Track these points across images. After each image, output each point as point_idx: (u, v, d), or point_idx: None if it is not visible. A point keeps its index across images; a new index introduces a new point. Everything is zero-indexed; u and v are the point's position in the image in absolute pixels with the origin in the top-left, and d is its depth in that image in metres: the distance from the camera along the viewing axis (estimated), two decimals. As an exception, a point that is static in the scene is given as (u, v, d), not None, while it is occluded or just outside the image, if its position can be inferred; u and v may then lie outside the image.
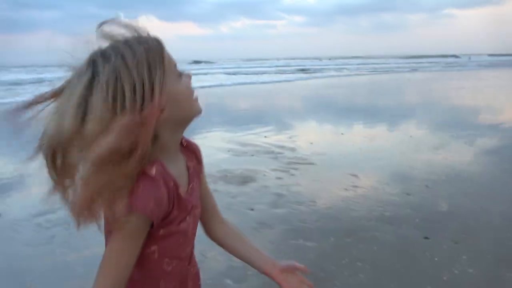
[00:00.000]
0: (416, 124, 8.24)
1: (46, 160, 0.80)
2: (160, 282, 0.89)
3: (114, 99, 0.73)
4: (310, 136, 6.74)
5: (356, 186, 4.13)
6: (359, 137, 6.78)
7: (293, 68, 36.56)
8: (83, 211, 0.76)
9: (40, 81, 21.62)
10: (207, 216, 1.07)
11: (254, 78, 23.90)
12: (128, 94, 0.74)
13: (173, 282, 0.91)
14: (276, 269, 1.00)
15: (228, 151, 5.71)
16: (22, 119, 0.80)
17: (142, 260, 0.83)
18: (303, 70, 32.00)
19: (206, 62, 57.94)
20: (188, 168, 0.94)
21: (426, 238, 2.98)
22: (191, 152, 1.01)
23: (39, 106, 0.82)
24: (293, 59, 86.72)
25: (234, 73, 27.69)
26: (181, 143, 0.97)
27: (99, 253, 0.79)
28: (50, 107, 0.82)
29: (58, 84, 0.83)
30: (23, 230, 3.27)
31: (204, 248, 2.31)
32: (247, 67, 40.19)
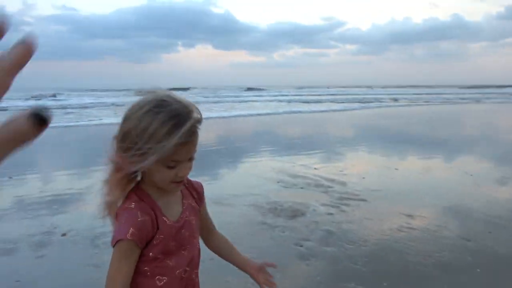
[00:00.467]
0: (477, 159, 7.78)
1: None
2: None
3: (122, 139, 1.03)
4: (362, 170, 6.59)
5: (411, 228, 3.95)
6: (414, 172, 6.52)
7: (344, 97, 36.24)
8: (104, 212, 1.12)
9: (103, 105, 23.23)
10: (206, 233, 1.35)
11: (306, 106, 23.99)
12: (129, 144, 0.99)
13: None
14: (253, 268, 1.33)
15: (278, 182, 5.74)
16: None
17: (137, 278, 1.07)
18: (355, 99, 31.59)
19: (258, 89, 59.17)
20: (183, 204, 1.18)
21: (489, 291, 2.77)
22: (192, 190, 1.25)
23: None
24: (345, 87, 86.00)
25: (287, 101, 27.94)
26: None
27: None
28: None
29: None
30: (87, 250, 3.47)
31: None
32: (299, 94, 40.46)
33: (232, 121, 15.57)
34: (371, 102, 28.47)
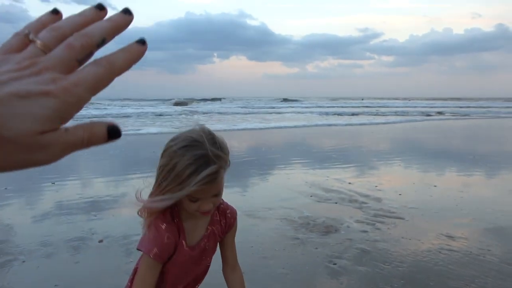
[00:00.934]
0: (524, 179, 7.33)
1: None
2: None
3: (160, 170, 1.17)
4: (399, 186, 6.38)
5: (451, 250, 3.76)
6: (454, 190, 6.23)
7: (380, 109, 35.49)
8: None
9: (142, 115, 23.96)
10: (225, 264, 1.47)
11: (341, 118, 23.70)
12: (161, 180, 1.13)
13: None
14: None
15: (311, 196, 5.65)
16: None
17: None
18: (391, 112, 30.83)
19: (294, 100, 59.16)
20: (207, 229, 1.28)
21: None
22: (223, 217, 1.33)
23: None
24: (380, 99, 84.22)
25: (323, 113, 27.69)
26: (218, 207, 1.33)
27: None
28: None
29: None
30: (121, 257, 3.55)
31: None
32: (334, 106, 40.04)
33: (267, 133, 15.60)
34: (409, 114, 27.68)
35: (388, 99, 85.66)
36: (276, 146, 12.40)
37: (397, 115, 27.21)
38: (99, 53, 0.34)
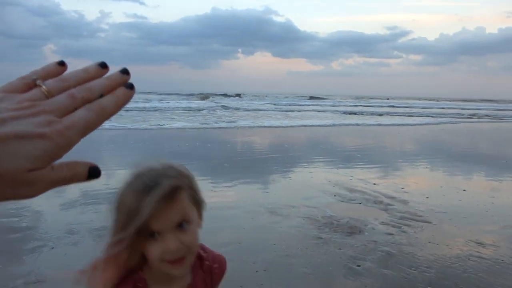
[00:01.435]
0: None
1: None
2: None
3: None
4: (426, 189, 6.21)
5: (481, 257, 3.62)
6: (484, 195, 6.01)
7: (407, 109, 34.73)
8: None
9: (168, 109, 24.28)
10: None
11: (367, 118, 23.34)
12: (113, 218, 0.89)
13: None
14: None
15: (335, 195, 5.57)
16: None
17: None
18: (419, 113, 30.11)
19: (320, 98, 58.68)
20: None
21: None
22: (208, 274, 1.04)
23: None
24: (407, 99, 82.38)
25: (348, 112, 27.32)
26: (200, 259, 1.03)
27: None
28: None
29: None
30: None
31: None
32: (360, 105, 39.44)
33: (291, 130, 15.52)
34: (438, 116, 26.94)
35: (415, 99, 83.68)
36: (300, 144, 12.31)
37: (425, 116, 26.53)
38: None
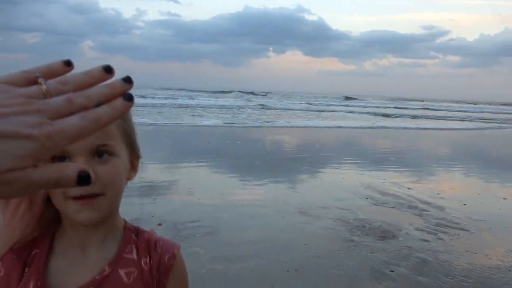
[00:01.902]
0: None
1: None
2: None
3: None
4: (463, 195, 5.99)
5: (523, 269, 3.45)
6: (527, 205, 5.72)
7: (443, 112, 33.60)
8: None
9: (199, 106, 24.58)
10: None
11: (397, 121, 22.79)
12: None
13: None
14: None
15: (367, 198, 5.47)
16: None
17: None
18: (456, 116, 29.05)
19: (354, 98, 57.79)
20: (101, 271, 0.71)
21: None
22: (143, 252, 0.76)
23: None
24: (443, 101, 79.68)
25: (382, 114, 26.64)
26: (137, 233, 0.78)
27: None
28: None
29: None
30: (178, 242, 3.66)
31: None
32: (390, 107, 38.55)
33: (324, 131, 15.37)
34: (477, 120, 25.89)
35: (452, 101, 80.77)
36: (331, 145, 12.18)
37: (462, 120, 25.57)
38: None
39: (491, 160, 10.24)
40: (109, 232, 0.74)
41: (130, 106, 0.35)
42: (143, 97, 28.25)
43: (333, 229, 4.21)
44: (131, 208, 4.52)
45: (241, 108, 24.88)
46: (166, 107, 21.86)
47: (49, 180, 0.32)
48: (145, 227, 3.11)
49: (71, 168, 0.33)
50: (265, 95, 56.05)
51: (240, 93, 51.26)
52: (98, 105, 0.34)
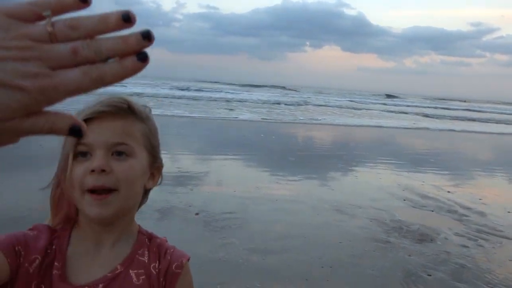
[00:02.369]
0: None
1: None
2: None
3: None
4: (507, 202, 5.73)
5: None
6: None
7: (489, 114, 32.06)
8: None
9: (236, 100, 24.77)
10: None
11: (439, 121, 22.01)
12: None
13: None
14: None
15: (404, 200, 5.36)
16: None
17: None
18: (504, 119, 27.63)
19: (395, 96, 56.22)
20: (114, 269, 0.75)
21: None
22: (154, 257, 0.79)
23: None
24: (489, 102, 75.83)
25: (421, 114, 25.80)
26: (150, 238, 0.82)
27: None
28: None
29: None
30: (215, 231, 3.77)
31: None
32: (430, 106, 37.23)
33: (360, 129, 15.11)
34: (521, 124, 24.50)
35: (498, 103, 76.67)
36: (368, 143, 11.97)
37: (509, 123, 24.27)
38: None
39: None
40: (123, 234, 0.78)
41: (142, 68, 0.31)
42: (181, 89, 28.85)
43: (369, 229, 4.17)
44: (169, 197, 4.68)
45: (276, 103, 24.85)
46: (201, 99, 22.19)
47: (41, 129, 0.31)
48: (183, 215, 3.26)
49: (63, 121, 0.32)
50: (297, 90, 55.55)
51: (271, 88, 51.14)
52: (107, 60, 0.31)
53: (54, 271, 0.71)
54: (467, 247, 3.90)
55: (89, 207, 0.70)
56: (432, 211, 4.98)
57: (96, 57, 0.30)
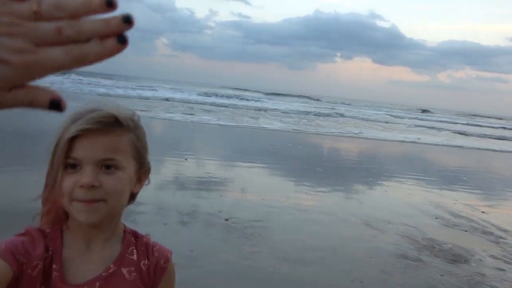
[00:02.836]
0: None
1: None
2: None
3: None
4: (546, 227, 5.49)
5: None
6: None
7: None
8: None
9: (266, 109, 24.86)
10: None
11: (473, 139, 21.30)
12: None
13: None
14: None
15: (436, 218, 5.23)
16: None
17: None
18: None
19: (429, 111, 54.80)
20: (107, 269, 0.81)
21: None
22: (142, 255, 0.86)
23: None
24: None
25: (455, 131, 25.00)
26: (136, 237, 0.89)
27: None
28: None
29: None
30: (243, 238, 3.80)
31: None
32: (464, 123, 36.07)
33: (392, 143, 14.85)
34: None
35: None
36: (399, 158, 11.75)
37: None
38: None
39: None
40: (112, 235, 0.84)
41: (122, 49, 0.33)
42: (208, 95, 29.27)
43: (400, 246, 4.10)
44: (199, 201, 4.77)
45: (305, 113, 24.77)
46: (230, 107, 22.41)
47: (21, 102, 0.33)
48: (212, 221, 3.33)
49: (44, 94, 0.33)
50: (327, 101, 55.09)
51: (300, 97, 50.91)
52: (88, 41, 0.33)
53: (54, 273, 0.77)
54: (503, 270, 3.77)
55: (78, 212, 0.76)
56: (466, 231, 4.84)
57: (79, 37, 0.32)
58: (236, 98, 31.37)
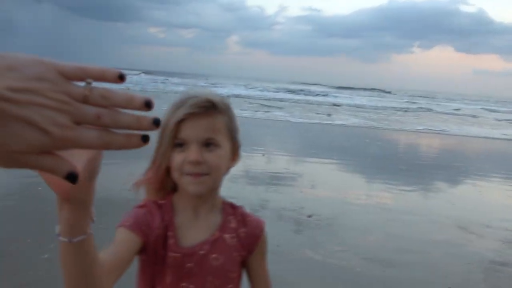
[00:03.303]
0: None
1: None
2: None
3: None
4: None
5: None
6: None
7: None
8: None
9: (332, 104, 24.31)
10: None
11: None
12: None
13: None
14: None
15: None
16: None
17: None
18: None
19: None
20: (213, 235, 0.94)
21: None
22: (241, 224, 0.98)
23: None
24: None
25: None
26: (234, 208, 1.00)
27: None
28: None
29: None
30: (330, 235, 3.72)
31: None
32: None
33: (483, 140, 13.62)
34: None
35: None
36: (493, 156, 10.71)
37: None
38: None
39: None
40: (213, 205, 0.96)
41: (140, 146, 0.39)
42: (277, 91, 29.30)
43: (502, 252, 3.71)
44: (282, 197, 4.79)
45: (382, 108, 23.67)
46: (301, 103, 22.20)
47: (42, 168, 0.36)
48: (295, 217, 3.28)
49: (64, 166, 0.37)
50: (389, 92, 51.89)
51: (374, 91, 48.76)
52: (119, 128, 0.38)
53: (170, 239, 0.90)
54: None
55: (188, 185, 0.89)
56: None
57: (114, 125, 0.37)
58: (303, 93, 30.95)
